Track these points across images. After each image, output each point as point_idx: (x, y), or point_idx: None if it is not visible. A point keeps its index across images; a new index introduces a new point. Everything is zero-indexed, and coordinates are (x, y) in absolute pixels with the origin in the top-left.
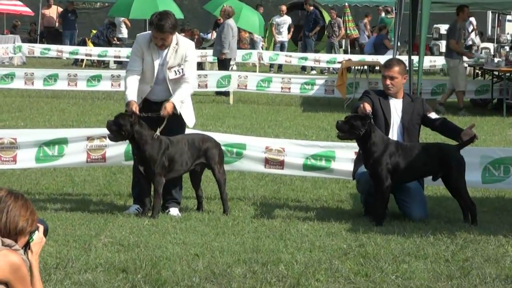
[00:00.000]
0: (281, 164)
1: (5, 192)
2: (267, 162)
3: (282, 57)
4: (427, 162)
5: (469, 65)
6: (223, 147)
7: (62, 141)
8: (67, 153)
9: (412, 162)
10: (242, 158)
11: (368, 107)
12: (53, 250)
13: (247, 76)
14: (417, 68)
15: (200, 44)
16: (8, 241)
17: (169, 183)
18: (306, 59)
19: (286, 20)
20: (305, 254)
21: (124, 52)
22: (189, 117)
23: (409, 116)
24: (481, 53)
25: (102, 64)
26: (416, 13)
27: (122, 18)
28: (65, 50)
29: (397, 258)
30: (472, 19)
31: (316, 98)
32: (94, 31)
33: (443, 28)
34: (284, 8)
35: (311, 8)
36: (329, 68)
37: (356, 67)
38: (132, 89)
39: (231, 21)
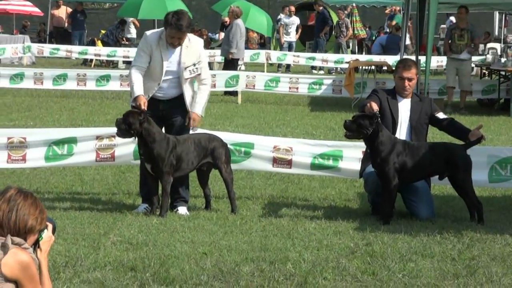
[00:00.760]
0: (289, 163)
1: (14, 191)
2: (275, 161)
3: (290, 57)
4: (434, 161)
5: (476, 65)
6: (231, 146)
7: (71, 140)
8: (76, 152)
9: (419, 162)
10: (250, 157)
11: (375, 106)
12: (62, 249)
13: (255, 76)
14: (424, 68)
15: (208, 44)
16: (17, 239)
17: (176, 182)
18: (314, 59)
19: (295, 20)
20: (313, 253)
21: (133, 52)
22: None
23: (417, 116)
24: (487, 53)
25: (111, 64)
26: (423, 13)
27: (131, 19)
28: (74, 50)
29: (404, 257)
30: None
31: (324, 98)
32: (103, 31)
33: None
34: (292, 8)
35: (321, 8)
36: (336, 68)
37: (364, 67)
38: (139, 83)
39: (239, 21)
